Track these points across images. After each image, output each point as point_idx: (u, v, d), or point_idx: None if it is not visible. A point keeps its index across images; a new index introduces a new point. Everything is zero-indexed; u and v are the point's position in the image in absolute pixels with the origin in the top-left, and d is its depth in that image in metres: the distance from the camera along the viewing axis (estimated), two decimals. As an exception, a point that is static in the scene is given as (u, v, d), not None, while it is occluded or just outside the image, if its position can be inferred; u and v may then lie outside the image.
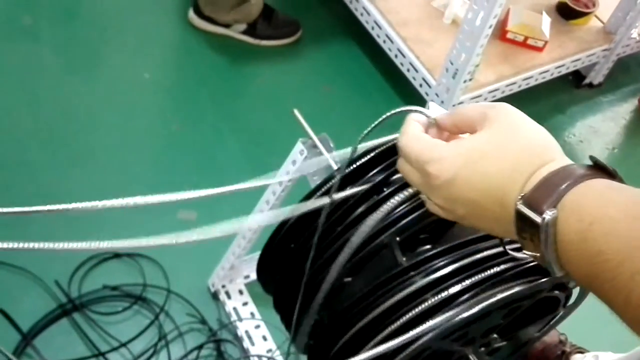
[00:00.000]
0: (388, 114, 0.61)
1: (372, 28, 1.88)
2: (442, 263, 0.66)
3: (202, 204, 1.53)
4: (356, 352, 0.67)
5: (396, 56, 1.83)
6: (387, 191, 0.66)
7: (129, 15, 1.93)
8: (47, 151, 1.59)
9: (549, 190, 0.45)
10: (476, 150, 0.49)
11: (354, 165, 0.71)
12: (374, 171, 0.70)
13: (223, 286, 1.40)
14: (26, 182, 1.51)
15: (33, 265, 1.36)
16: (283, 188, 1.03)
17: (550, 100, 2.05)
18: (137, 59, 1.84)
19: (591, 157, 0.47)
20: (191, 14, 1.93)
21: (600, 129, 2.03)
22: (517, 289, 0.63)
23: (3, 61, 1.74)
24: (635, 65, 2.22)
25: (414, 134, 0.54)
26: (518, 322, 0.76)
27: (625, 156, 1.98)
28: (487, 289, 0.64)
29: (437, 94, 1.72)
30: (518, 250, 0.58)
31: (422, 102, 1.79)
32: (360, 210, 0.68)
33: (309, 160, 0.91)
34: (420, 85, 1.78)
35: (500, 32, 1.86)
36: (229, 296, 1.40)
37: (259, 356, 1.32)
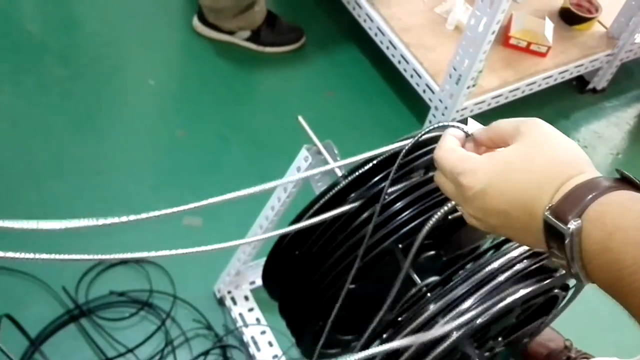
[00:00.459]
0: (428, 127, 0.63)
1: (375, 34, 1.89)
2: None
3: (208, 211, 1.54)
4: None
5: (399, 62, 1.84)
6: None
7: (133, 21, 1.95)
8: (52, 157, 1.60)
9: (575, 201, 0.46)
10: (507, 163, 0.51)
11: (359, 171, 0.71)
12: (377, 178, 0.70)
13: (229, 292, 1.41)
14: (31, 188, 1.52)
15: (40, 272, 1.37)
16: (288, 194, 1.04)
17: (554, 105, 2.05)
18: (142, 65, 1.85)
19: (617, 170, 0.48)
20: (195, 21, 1.95)
21: (604, 134, 2.03)
22: (536, 285, 0.64)
23: (4, 68, 1.76)
24: (639, 71, 2.22)
25: (449, 147, 0.56)
26: (520, 324, 0.77)
27: (630, 161, 1.98)
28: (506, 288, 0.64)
29: (440, 100, 1.73)
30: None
31: (425, 108, 1.80)
32: (363, 216, 0.69)
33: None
34: (424, 91, 1.79)
35: (503, 38, 1.87)
36: (234, 302, 1.40)
37: (265, 362, 1.33)
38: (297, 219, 0.74)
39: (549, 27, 1.89)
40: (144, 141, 1.69)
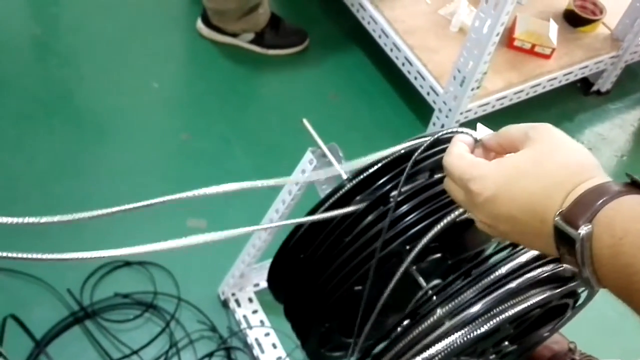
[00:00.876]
0: (438, 134, 0.64)
1: (379, 36, 1.89)
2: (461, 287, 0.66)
3: (212, 213, 1.55)
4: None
5: (403, 64, 1.84)
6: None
7: (137, 24, 1.95)
8: (56, 161, 1.60)
9: (585, 206, 0.46)
10: (517, 168, 0.51)
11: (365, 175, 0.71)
12: (381, 181, 0.70)
13: (233, 294, 1.41)
14: (36, 192, 1.53)
15: (45, 274, 1.38)
16: (292, 197, 1.04)
17: (558, 107, 2.05)
18: (146, 68, 1.86)
19: (628, 175, 0.48)
20: (199, 23, 1.95)
21: (608, 136, 2.03)
22: (525, 304, 0.63)
23: (6, 71, 1.77)
24: (644, 73, 2.22)
25: (458, 154, 0.56)
26: (528, 328, 0.77)
27: (634, 163, 1.97)
28: (498, 305, 0.64)
29: (444, 102, 1.73)
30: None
31: (429, 110, 1.80)
32: (368, 219, 0.69)
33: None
34: (428, 94, 1.79)
35: (508, 40, 1.87)
36: (238, 304, 1.40)
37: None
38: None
39: (553, 28, 1.89)
40: (148, 144, 1.69)
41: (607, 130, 2.04)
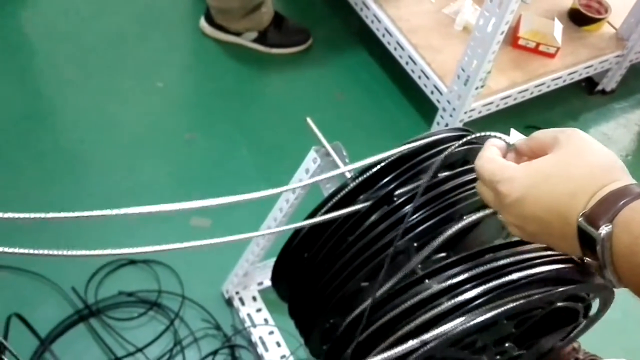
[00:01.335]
0: (472, 136, 0.64)
1: (383, 35, 1.89)
2: (456, 271, 0.66)
3: (216, 211, 1.55)
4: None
5: (407, 63, 1.84)
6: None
7: (141, 23, 1.96)
8: (61, 159, 1.61)
9: (607, 207, 0.48)
10: (543, 171, 0.53)
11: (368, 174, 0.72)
12: (385, 180, 0.71)
13: (237, 293, 1.42)
14: (40, 190, 1.54)
15: (50, 272, 1.39)
16: (296, 196, 1.04)
17: (562, 107, 2.04)
18: (150, 67, 1.86)
19: None
20: (202, 22, 1.95)
21: (613, 136, 2.02)
22: (521, 301, 0.63)
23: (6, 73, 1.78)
24: (649, 72, 2.22)
25: (488, 157, 0.58)
26: (534, 331, 0.76)
27: (639, 163, 1.97)
28: (496, 299, 0.64)
29: (448, 101, 1.73)
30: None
31: (434, 108, 1.80)
32: (372, 218, 0.69)
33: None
34: (432, 93, 1.79)
35: (512, 39, 1.87)
36: (242, 302, 1.41)
37: (273, 362, 1.33)
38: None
39: (558, 27, 1.89)
40: (152, 143, 1.69)
41: (611, 130, 2.04)
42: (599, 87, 2.10)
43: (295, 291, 0.78)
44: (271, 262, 0.82)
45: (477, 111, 1.77)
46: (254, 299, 1.42)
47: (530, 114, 1.91)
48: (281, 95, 1.89)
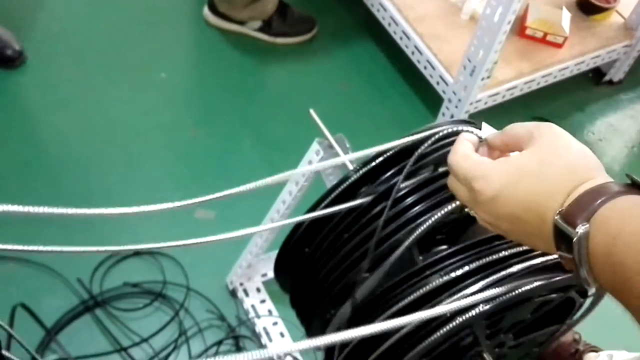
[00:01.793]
0: (439, 129, 0.64)
1: (389, 24, 1.88)
2: (459, 261, 0.66)
3: (220, 203, 1.55)
4: (373, 350, 0.68)
5: (413, 53, 1.83)
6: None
7: (144, 13, 1.95)
8: (62, 151, 1.61)
9: (584, 205, 0.47)
10: (520, 168, 0.52)
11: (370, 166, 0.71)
12: (389, 173, 0.70)
13: (241, 284, 1.42)
14: (45, 185, 1.54)
15: (56, 264, 1.39)
16: (299, 188, 1.04)
17: (569, 97, 2.03)
18: (153, 57, 1.86)
19: (627, 175, 0.49)
20: (206, 11, 1.94)
21: (620, 127, 2.01)
22: (563, 277, 0.64)
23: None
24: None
25: (463, 152, 0.57)
26: (533, 325, 0.76)
27: (646, 154, 1.95)
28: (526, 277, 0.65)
29: (454, 92, 1.72)
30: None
31: (439, 99, 1.79)
32: (375, 210, 0.69)
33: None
34: (438, 83, 1.78)
35: (519, 28, 1.85)
36: (247, 294, 1.41)
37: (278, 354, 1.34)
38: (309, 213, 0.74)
39: (565, 17, 1.87)
40: (155, 135, 1.69)
41: (618, 121, 2.02)
42: (607, 78, 2.08)
43: (296, 282, 0.78)
44: (275, 253, 0.82)
45: (482, 102, 1.75)
46: (258, 290, 1.42)
47: (537, 105, 1.90)
48: (285, 85, 1.88)
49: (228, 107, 1.78)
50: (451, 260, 0.67)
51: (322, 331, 0.82)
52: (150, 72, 1.82)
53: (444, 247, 0.76)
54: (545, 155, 0.51)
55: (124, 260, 1.44)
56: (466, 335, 0.72)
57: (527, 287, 0.64)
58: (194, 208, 1.50)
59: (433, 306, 0.65)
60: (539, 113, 1.87)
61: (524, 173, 0.51)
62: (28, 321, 1.30)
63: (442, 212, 0.65)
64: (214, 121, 1.75)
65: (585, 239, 0.46)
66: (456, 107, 1.73)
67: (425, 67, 1.80)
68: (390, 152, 0.70)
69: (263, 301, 1.41)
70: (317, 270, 0.74)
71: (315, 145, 0.93)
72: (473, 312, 0.63)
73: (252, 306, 1.40)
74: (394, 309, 0.67)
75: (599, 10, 1.95)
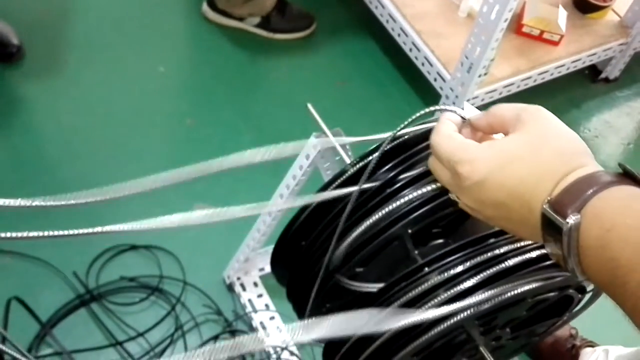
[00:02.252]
0: (422, 112, 0.61)
1: (387, 21, 1.88)
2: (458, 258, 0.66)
3: (218, 198, 1.55)
4: (370, 345, 0.69)
5: (411, 50, 1.83)
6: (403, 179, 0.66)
7: (142, 7, 1.95)
8: (62, 144, 1.61)
9: (574, 195, 0.45)
10: (508, 154, 0.49)
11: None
12: (387, 167, 0.71)
13: (238, 278, 1.42)
14: (42, 175, 1.54)
15: (51, 257, 1.39)
16: (297, 182, 1.04)
17: (565, 94, 2.03)
18: (152, 52, 1.85)
19: (620, 165, 0.47)
20: (205, 7, 1.94)
21: (615, 124, 2.02)
22: (559, 278, 0.63)
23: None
24: (653, 60, 2.20)
25: (446, 133, 0.54)
26: (530, 320, 0.77)
27: (641, 151, 1.96)
28: (521, 278, 0.64)
29: (451, 89, 1.72)
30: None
31: (437, 96, 1.79)
32: (371, 204, 0.69)
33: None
34: (435, 80, 1.78)
35: (516, 26, 1.85)
36: (244, 288, 1.41)
37: (274, 347, 1.34)
38: (305, 208, 0.74)
39: (562, 15, 1.87)
40: (153, 129, 1.69)
41: (614, 118, 2.03)
42: (603, 75, 2.09)
43: (293, 275, 0.79)
44: (272, 248, 0.83)
45: (480, 99, 1.76)
46: (255, 284, 1.42)
47: (533, 101, 1.88)
48: (284, 81, 1.89)
49: (226, 102, 1.78)
50: (446, 260, 0.67)
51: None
52: (148, 66, 1.81)
53: (440, 241, 0.77)
54: (534, 140, 0.49)
55: (121, 254, 1.44)
56: (459, 334, 0.73)
57: (519, 290, 0.63)
58: (193, 202, 1.50)
59: (426, 303, 0.65)
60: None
61: (512, 158, 0.49)
62: (23, 315, 1.30)
63: (426, 188, 0.63)
64: (212, 115, 1.75)
65: (576, 230, 0.44)
66: (453, 103, 1.74)
67: (422, 64, 1.80)
68: (388, 147, 0.69)
69: (260, 295, 1.41)
70: (314, 262, 0.74)
71: (312, 140, 0.93)
72: (461, 315, 0.62)
73: (249, 301, 1.40)
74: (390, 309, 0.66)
75: (595, 8, 1.96)
